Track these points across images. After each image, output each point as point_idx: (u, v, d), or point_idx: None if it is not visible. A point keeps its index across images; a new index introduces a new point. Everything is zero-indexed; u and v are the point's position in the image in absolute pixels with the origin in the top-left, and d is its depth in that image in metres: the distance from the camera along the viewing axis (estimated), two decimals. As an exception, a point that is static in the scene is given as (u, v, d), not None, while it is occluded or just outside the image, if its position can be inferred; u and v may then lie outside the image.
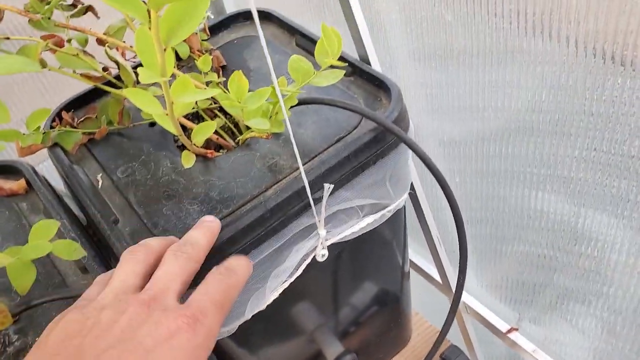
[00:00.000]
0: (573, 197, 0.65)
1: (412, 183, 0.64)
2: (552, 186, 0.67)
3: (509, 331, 0.75)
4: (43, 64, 0.42)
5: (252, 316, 0.51)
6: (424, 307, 0.85)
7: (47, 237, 0.39)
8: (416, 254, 0.87)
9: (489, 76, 0.63)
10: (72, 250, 0.40)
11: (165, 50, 0.36)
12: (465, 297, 0.80)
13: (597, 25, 0.51)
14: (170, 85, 0.39)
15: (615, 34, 0.50)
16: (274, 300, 0.51)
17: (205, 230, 0.41)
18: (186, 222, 0.46)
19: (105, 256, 0.47)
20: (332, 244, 0.52)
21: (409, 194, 0.60)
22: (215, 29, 0.68)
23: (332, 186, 0.45)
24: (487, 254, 0.79)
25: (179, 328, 0.31)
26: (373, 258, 0.64)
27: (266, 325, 0.56)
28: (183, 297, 0.36)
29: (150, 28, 0.34)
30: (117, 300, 0.33)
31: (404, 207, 0.63)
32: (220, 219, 0.45)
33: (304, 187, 0.45)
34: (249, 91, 0.45)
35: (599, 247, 0.66)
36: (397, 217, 0.62)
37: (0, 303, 0.38)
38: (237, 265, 0.40)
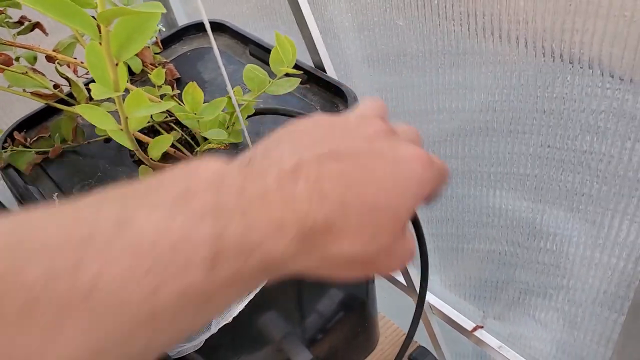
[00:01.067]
0: (529, 193, 0.67)
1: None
2: (508, 184, 0.69)
3: (475, 329, 0.76)
4: (-10, 83, 0.41)
5: (219, 330, 0.50)
6: (390, 310, 0.86)
7: None
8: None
9: (442, 79, 0.64)
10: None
11: (117, 65, 0.35)
12: (430, 297, 0.81)
13: (544, 25, 0.53)
14: (124, 100, 0.39)
15: (562, 32, 0.52)
16: (240, 312, 0.51)
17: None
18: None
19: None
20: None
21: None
22: (167, 42, 0.68)
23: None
24: (449, 253, 0.81)
25: (417, 159, 0.29)
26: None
27: (233, 337, 0.56)
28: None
29: (100, 43, 0.34)
30: (362, 117, 0.32)
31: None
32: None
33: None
34: (204, 102, 0.45)
35: (556, 241, 0.69)
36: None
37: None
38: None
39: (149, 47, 0.62)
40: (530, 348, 0.76)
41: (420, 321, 0.85)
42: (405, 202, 0.29)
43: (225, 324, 0.50)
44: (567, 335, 0.75)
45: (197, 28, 0.68)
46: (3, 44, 0.46)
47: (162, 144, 0.47)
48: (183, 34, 0.68)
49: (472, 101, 0.65)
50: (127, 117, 0.41)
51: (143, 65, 0.60)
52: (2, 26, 0.48)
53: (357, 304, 0.75)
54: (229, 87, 0.41)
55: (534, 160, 0.64)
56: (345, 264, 0.28)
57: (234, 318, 0.51)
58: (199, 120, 0.43)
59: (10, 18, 0.52)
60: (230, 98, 0.42)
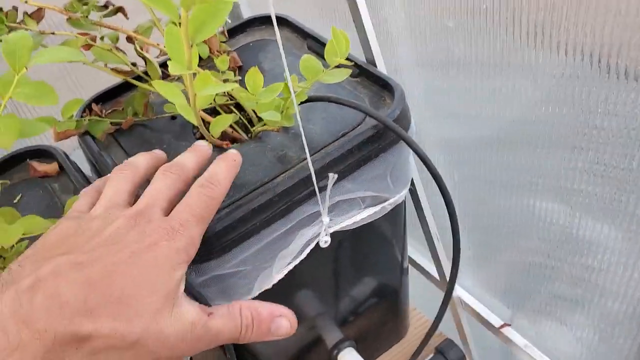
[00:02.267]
0: (569, 206, 0.68)
1: (412, 180, 0.68)
2: (549, 195, 0.70)
3: (502, 326, 0.79)
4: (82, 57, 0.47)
5: (259, 294, 0.55)
6: (422, 303, 0.89)
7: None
8: (415, 251, 0.91)
9: (490, 84, 0.67)
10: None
11: (191, 46, 0.41)
12: (461, 292, 0.84)
13: (602, 39, 0.54)
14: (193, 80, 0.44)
15: (620, 47, 0.53)
16: (280, 281, 0.56)
17: (196, 152, 0.46)
18: (202, 204, 0.51)
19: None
20: (334, 232, 0.57)
21: (410, 190, 0.65)
22: (233, 32, 0.73)
23: (336, 176, 0.50)
24: (485, 256, 0.84)
25: (161, 237, 0.34)
26: (373, 251, 0.69)
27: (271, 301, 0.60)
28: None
29: (179, 25, 0.39)
30: (107, 214, 0.36)
31: (404, 203, 0.68)
32: (233, 202, 0.50)
33: (310, 176, 0.50)
34: (263, 87, 0.50)
35: (596, 256, 0.69)
36: (397, 212, 0.66)
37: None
38: (218, 174, 0.42)
39: (216, 35, 0.68)
40: (556, 350, 0.78)
41: (450, 315, 0.89)
42: (159, 279, 0.32)
43: (265, 290, 0.55)
44: (595, 347, 0.76)
45: (261, 21, 0.74)
46: (92, 24, 0.52)
47: (222, 122, 0.53)
48: (247, 26, 0.74)
49: (521, 110, 0.66)
50: (195, 95, 0.46)
51: (210, 52, 0.66)
52: (93, 10, 0.54)
53: (390, 293, 0.78)
54: (287, 73, 0.46)
55: (581, 174, 0.65)
56: (115, 356, 0.30)
57: (273, 285, 0.55)
58: (257, 102, 0.48)
59: (97, 2, 0.58)
60: (286, 84, 0.47)
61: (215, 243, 0.48)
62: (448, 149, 0.77)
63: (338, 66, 0.48)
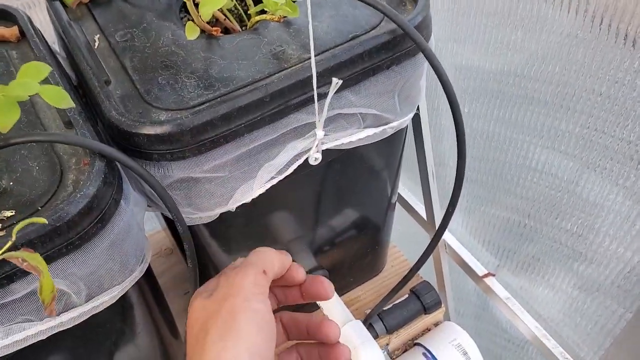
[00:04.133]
0: (567, 172, 0.63)
1: (418, 105, 0.61)
2: (542, 156, 0.64)
3: (486, 275, 0.74)
4: None
5: (236, 208, 0.49)
6: (402, 241, 0.84)
7: (36, 79, 0.36)
8: (405, 188, 0.85)
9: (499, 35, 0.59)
10: (60, 98, 0.37)
11: None
12: (447, 236, 0.79)
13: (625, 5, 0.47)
14: None
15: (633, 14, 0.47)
16: (260, 196, 0.49)
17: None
18: (181, 94, 0.43)
19: (91, 116, 0.44)
20: (326, 150, 0.50)
21: (414, 115, 0.57)
22: None
23: (340, 81, 0.42)
24: (477, 207, 0.78)
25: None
26: (364, 179, 0.62)
27: (247, 220, 0.54)
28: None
29: None
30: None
31: (406, 130, 0.61)
32: (217, 97, 0.42)
33: (309, 78, 0.43)
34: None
35: (583, 226, 0.65)
36: (397, 138, 0.59)
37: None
38: None
39: None
40: (537, 305, 0.74)
41: (431, 259, 0.84)
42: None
43: (244, 204, 0.48)
44: (572, 314, 0.72)
45: None
46: None
47: (214, 1, 0.44)
48: None
49: (526, 66, 0.60)
50: (185, -44, 0.37)
51: None
52: None
53: (372, 227, 0.72)
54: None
55: (577, 140, 0.60)
56: None
57: (252, 200, 0.49)
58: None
59: None
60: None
61: (191, 140, 0.41)
62: (464, 76, 0.70)
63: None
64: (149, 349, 0.56)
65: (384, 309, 0.74)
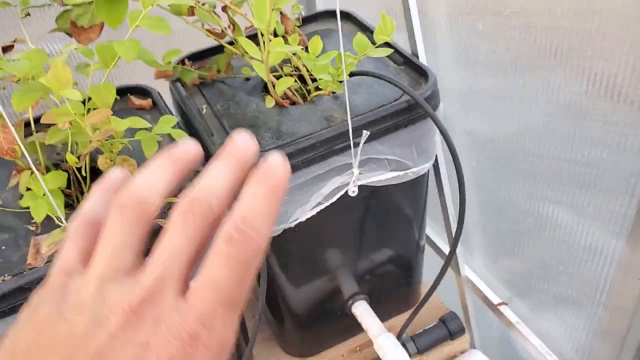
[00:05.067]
0: (575, 214, 0.76)
1: (437, 158, 0.77)
2: (555, 206, 0.78)
3: (500, 304, 0.86)
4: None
5: (295, 225, 0.65)
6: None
7: (169, 125, 0.56)
8: (434, 233, 1.00)
9: (510, 86, 0.75)
10: (184, 138, 0.57)
11: (272, 10, 0.52)
12: (470, 273, 0.92)
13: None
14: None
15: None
16: (312, 219, 0.66)
17: (231, 161, 0.27)
18: (261, 142, 0.62)
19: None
20: (362, 186, 0.67)
21: (434, 169, 0.73)
22: (306, 21, 0.84)
23: (368, 133, 0.60)
24: (493, 245, 0.91)
25: (172, 357, 0.23)
26: (394, 215, 0.77)
27: (303, 238, 0.70)
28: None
29: (264, -6, 0.50)
30: (101, 299, 0.24)
31: (427, 179, 0.77)
32: (285, 144, 0.61)
33: (347, 131, 0.60)
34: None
35: (591, 259, 0.77)
36: (419, 183, 0.75)
37: (132, 160, 0.54)
38: (256, 213, 0.25)
39: (291, 20, 0.79)
40: (543, 330, 0.85)
41: (458, 293, 0.96)
42: None
43: (300, 223, 0.65)
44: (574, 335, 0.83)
45: (330, 14, 0.84)
46: (197, -8, 0.64)
47: (286, 82, 0.63)
48: (318, 17, 0.85)
49: (532, 119, 0.75)
50: (268, 52, 0.57)
51: (285, 31, 0.77)
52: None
53: (404, 263, 0.86)
54: (341, 46, 0.56)
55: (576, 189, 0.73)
56: None
57: (307, 220, 0.65)
58: (314, 64, 0.58)
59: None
60: (339, 53, 0.57)
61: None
62: (472, 139, 0.86)
63: (383, 45, 0.58)
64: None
65: (417, 332, 0.87)
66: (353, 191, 0.66)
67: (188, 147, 0.28)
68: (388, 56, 0.74)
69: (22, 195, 0.56)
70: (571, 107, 0.66)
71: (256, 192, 0.26)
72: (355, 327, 0.84)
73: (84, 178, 0.59)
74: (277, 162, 0.26)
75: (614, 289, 0.69)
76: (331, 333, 0.89)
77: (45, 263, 0.48)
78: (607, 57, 0.60)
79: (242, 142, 0.28)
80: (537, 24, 0.63)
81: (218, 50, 0.76)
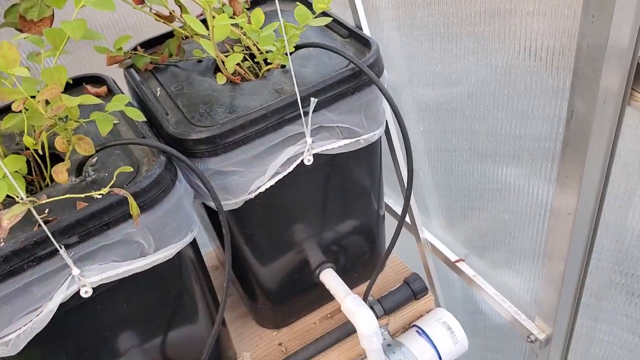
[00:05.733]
0: (514, 168, 0.80)
1: (388, 126, 0.80)
2: (495, 162, 0.81)
3: (457, 261, 0.89)
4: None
5: (254, 196, 0.67)
6: (397, 247, 1.00)
7: (123, 103, 0.57)
8: (395, 202, 1.03)
9: (450, 52, 0.78)
10: (138, 115, 0.58)
11: (212, -15, 0.53)
12: (429, 236, 0.95)
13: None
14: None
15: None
16: (271, 189, 0.68)
17: None
18: (214, 117, 0.64)
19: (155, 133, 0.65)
20: (317, 155, 0.69)
21: (386, 135, 0.76)
22: (254, 4, 0.86)
23: (315, 100, 0.62)
24: (449, 207, 0.94)
25: None
26: (351, 184, 0.79)
27: (263, 209, 0.72)
28: None
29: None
30: None
31: (380, 148, 0.79)
32: (237, 116, 0.62)
33: (297, 101, 0.63)
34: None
35: (531, 210, 0.80)
36: (372, 152, 0.77)
37: (88, 138, 0.56)
38: None
39: (239, 3, 0.81)
40: (497, 280, 0.88)
41: (419, 256, 0.99)
42: None
43: (259, 195, 0.67)
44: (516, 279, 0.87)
45: (277, -4, 0.86)
46: (143, -23, 0.66)
47: (235, 58, 0.65)
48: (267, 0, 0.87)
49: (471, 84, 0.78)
50: (213, 27, 0.59)
51: (234, 13, 0.78)
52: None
53: (365, 228, 0.89)
54: (280, 18, 0.58)
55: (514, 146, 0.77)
56: None
57: (266, 190, 0.67)
58: (259, 35, 0.60)
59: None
60: (281, 24, 0.59)
61: (220, 142, 0.61)
62: (418, 105, 0.89)
63: (322, 14, 0.60)
64: (200, 312, 0.73)
65: (382, 295, 0.90)
66: (308, 160, 0.68)
67: None
68: (334, 30, 0.76)
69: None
70: (503, 68, 0.69)
71: None
72: (325, 296, 0.86)
73: (44, 163, 0.60)
74: None
75: (548, 237, 0.73)
76: (302, 303, 0.91)
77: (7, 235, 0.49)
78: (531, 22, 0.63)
79: None
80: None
81: (168, 36, 0.77)
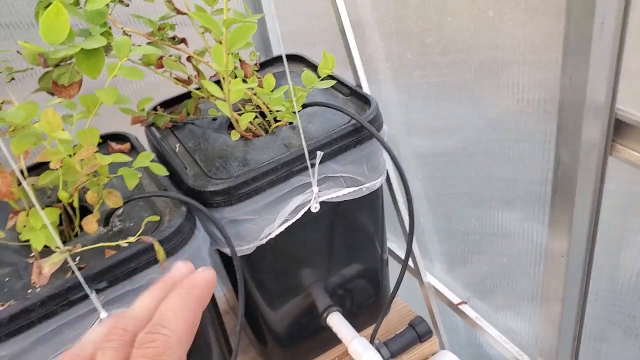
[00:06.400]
0: (508, 213, 0.84)
1: (388, 175, 0.85)
2: (492, 208, 0.86)
3: (460, 303, 0.93)
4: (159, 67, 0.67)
5: (265, 242, 0.72)
6: (401, 290, 1.04)
7: (147, 159, 0.63)
8: (398, 247, 1.07)
9: (447, 108, 0.85)
10: (161, 170, 0.64)
11: (228, 54, 0.60)
12: (432, 280, 0.99)
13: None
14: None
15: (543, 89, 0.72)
16: (281, 236, 0.73)
17: (153, 291, 0.32)
18: (229, 170, 0.69)
19: (175, 186, 0.71)
20: (323, 202, 0.74)
21: (388, 183, 0.81)
22: (263, 65, 0.93)
23: (321, 153, 0.68)
24: (451, 251, 0.99)
25: None
26: (356, 230, 0.84)
27: (274, 255, 0.76)
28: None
29: (221, 42, 0.59)
30: None
31: (382, 196, 0.84)
32: (250, 170, 0.68)
33: (304, 154, 0.68)
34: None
35: (528, 253, 0.85)
36: (375, 199, 0.83)
37: (117, 192, 0.61)
38: (167, 315, 0.30)
39: (250, 65, 0.88)
40: (499, 322, 0.92)
41: (423, 299, 1.03)
42: None
43: (270, 240, 0.72)
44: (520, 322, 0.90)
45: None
46: (165, 45, 0.73)
47: (248, 117, 0.71)
48: (274, 62, 0.94)
49: (466, 134, 0.84)
50: (229, 90, 0.65)
51: (245, 75, 0.86)
52: (164, 39, 0.75)
53: (369, 273, 0.93)
54: (289, 82, 0.64)
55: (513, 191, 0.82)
56: None
57: (276, 237, 0.72)
58: (270, 97, 0.67)
59: (167, 35, 0.79)
60: (289, 87, 0.66)
61: (234, 193, 0.66)
62: (418, 156, 0.95)
63: (327, 77, 0.67)
64: (214, 355, 0.77)
65: (388, 338, 0.93)
66: (315, 207, 0.73)
67: (180, 269, 0.33)
68: (337, 89, 0.83)
69: (18, 235, 0.62)
70: (494, 119, 0.75)
71: (169, 297, 0.30)
72: (332, 339, 0.90)
73: (74, 214, 0.65)
74: (184, 269, 0.33)
75: (545, 279, 0.77)
76: (311, 346, 0.94)
77: (47, 283, 0.54)
78: (518, 73, 0.70)
79: (173, 269, 0.33)
80: (454, 48, 0.73)
81: (186, 96, 0.84)
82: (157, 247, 0.54)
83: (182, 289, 0.31)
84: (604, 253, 0.76)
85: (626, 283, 0.77)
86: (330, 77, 0.69)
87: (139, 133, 0.82)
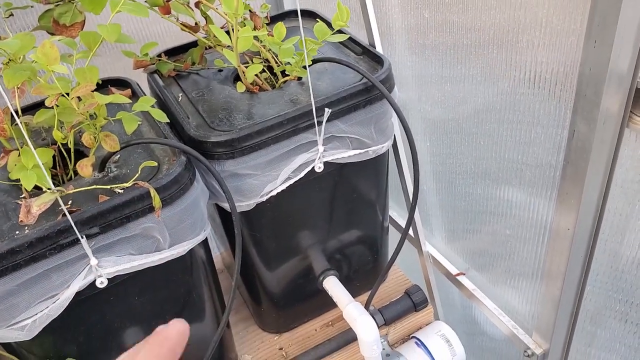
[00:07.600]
0: (525, 189, 0.81)
1: (395, 141, 0.82)
2: (496, 181, 0.83)
3: (458, 274, 0.91)
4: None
5: (266, 200, 0.69)
6: (400, 259, 1.01)
7: (148, 104, 0.59)
8: (399, 216, 1.04)
9: (457, 74, 0.81)
10: (162, 116, 0.60)
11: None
12: (431, 249, 0.96)
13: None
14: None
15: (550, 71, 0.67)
16: (282, 194, 0.70)
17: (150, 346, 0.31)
18: (233, 122, 0.66)
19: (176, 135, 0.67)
20: (327, 163, 0.71)
21: (393, 149, 0.78)
22: (273, 19, 0.89)
23: (330, 110, 0.64)
24: (452, 222, 0.96)
25: None
26: (358, 191, 0.81)
27: (273, 213, 0.74)
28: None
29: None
30: None
31: (387, 161, 0.81)
32: (254, 123, 0.65)
33: (312, 110, 0.65)
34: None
35: (531, 228, 0.82)
36: (380, 164, 0.79)
37: (114, 136, 0.58)
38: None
39: (260, 17, 0.84)
40: (496, 294, 0.90)
41: (421, 270, 1.00)
42: None
43: (271, 198, 0.69)
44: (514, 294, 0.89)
45: (296, 13, 0.89)
46: (172, -12, 0.69)
47: (254, 69, 0.68)
48: (286, 16, 0.90)
49: (474, 107, 0.80)
50: (237, 38, 0.61)
51: (254, 27, 0.81)
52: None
53: (369, 238, 0.90)
54: (302, 34, 0.61)
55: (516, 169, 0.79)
56: None
57: (277, 195, 0.69)
58: (280, 47, 0.63)
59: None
60: (301, 39, 0.62)
61: (237, 146, 0.63)
62: (426, 122, 0.91)
63: (340, 31, 0.63)
64: (207, 311, 0.75)
65: (383, 305, 0.91)
66: (319, 167, 0.70)
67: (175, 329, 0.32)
68: (349, 48, 0.79)
69: (9, 175, 0.59)
70: (508, 93, 0.72)
71: (142, 350, 0.31)
72: (327, 303, 0.88)
73: (69, 158, 0.62)
74: (165, 327, 0.32)
75: (548, 253, 0.74)
76: (305, 309, 0.93)
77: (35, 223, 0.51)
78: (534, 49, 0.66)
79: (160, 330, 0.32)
80: (474, 6, 0.69)
81: (191, 46, 0.80)
82: (153, 193, 0.51)
83: (154, 342, 0.31)
84: (609, 233, 0.74)
85: (627, 269, 0.74)
86: (342, 32, 0.64)
87: (141, 80, 0.78)
